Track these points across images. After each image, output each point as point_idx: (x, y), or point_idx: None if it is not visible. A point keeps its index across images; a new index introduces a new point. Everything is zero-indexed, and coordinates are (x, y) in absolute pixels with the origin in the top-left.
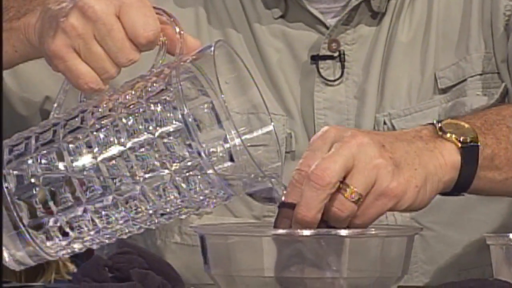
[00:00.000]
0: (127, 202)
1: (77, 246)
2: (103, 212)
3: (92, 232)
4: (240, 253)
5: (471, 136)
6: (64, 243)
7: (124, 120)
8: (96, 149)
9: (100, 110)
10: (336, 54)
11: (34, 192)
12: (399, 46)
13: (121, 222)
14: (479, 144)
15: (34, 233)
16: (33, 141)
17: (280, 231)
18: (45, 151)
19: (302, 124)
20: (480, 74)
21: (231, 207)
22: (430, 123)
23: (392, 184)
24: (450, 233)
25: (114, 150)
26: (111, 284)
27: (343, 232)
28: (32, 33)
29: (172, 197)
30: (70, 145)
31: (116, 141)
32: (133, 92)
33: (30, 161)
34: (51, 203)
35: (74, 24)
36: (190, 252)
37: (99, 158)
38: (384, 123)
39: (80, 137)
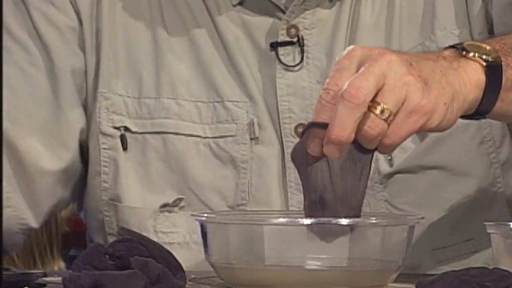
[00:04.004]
0: None
1: None
2: None
3: None
4: (241, 241)
5: (493, 56)
6: None
7: None
8: None
9: None
10: (295, 40)
11: None
12: (363, 29)
13: None
14: (502, 64)
15: None
16: None
17: (281, 219)
18: None
19: (266, 110)
20: None
21: (204, 199)
22: (450, 46)
23: (422, 101)
24: (422, 213)
25: None
26: (112, 272)
27: (344, 221)
28: None
29: None
30: None
31: None
32: None
33: None
34: None
35: None
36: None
37: None
38: None
39: None
